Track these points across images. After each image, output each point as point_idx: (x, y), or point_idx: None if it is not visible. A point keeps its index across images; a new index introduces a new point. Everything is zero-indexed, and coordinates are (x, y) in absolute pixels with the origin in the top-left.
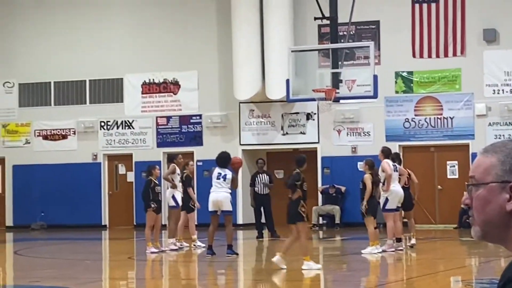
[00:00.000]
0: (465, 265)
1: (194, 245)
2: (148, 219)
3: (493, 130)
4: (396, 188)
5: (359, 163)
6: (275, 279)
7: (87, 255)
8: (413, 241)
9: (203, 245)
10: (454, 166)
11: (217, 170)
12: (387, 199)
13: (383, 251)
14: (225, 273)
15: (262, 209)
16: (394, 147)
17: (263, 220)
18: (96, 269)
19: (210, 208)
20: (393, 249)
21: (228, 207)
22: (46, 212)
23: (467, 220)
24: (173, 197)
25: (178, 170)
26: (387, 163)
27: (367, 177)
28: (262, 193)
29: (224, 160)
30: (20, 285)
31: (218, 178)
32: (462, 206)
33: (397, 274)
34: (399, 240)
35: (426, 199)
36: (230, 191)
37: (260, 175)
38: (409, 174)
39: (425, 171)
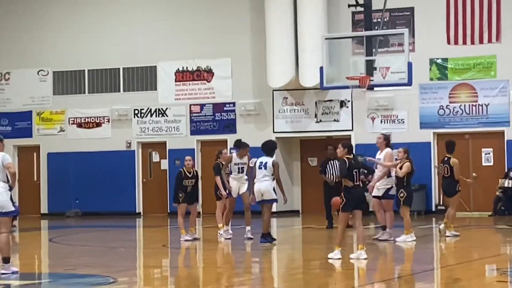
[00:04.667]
0: (500, 253)
1: (219, 233)
2: (178, 210)
3: None
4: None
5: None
6: (312, 267)
7: (121, 243)
8: (447, 232)
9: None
10: (489, 153)
11: (259, 160)
12: (391, 186)
13: (381, 240)
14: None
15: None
16: (429, 134)
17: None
18: (130, 257)
19: (257, 199)
20: (393, 239)
21: (270, 195)
22: (81, 199)
23: (502, 208)
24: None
25: (236, 159)
26: (391, 154)
27: (407, 165)
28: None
29: (269, 148)
30: (55, 273)
31: (260, 168)
32: (497, 193)
33: (432, 262)
34: (384, 228)
35: (461, 187)
36: (272, 179)
37: (331, 162)
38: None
39: (460, 158)
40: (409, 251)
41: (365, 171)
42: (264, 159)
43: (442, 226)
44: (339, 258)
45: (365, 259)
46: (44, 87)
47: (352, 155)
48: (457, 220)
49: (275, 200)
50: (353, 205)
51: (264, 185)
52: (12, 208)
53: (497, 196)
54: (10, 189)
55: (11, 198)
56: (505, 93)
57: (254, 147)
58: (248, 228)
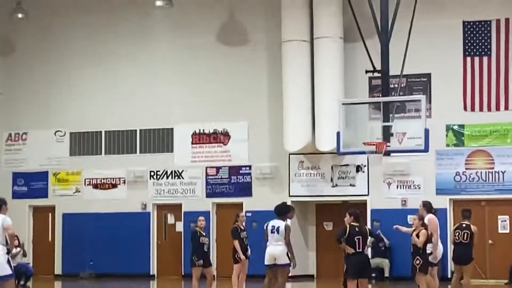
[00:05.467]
0: None
1: None
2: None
3: None
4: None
5: (408, 216)
6: None
7: None
8: None
9: None
10: (505, 220)
11: (271, 224)
12: (431, 253)
13: None
14: None
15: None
16: (445, 200)
17: None
18: None
19: (266, 262)
20: None
21: (284, 260)
22: (95, 260)
23: None
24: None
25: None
26: (434, 221)
27: (424, 233)
28: None
29: (282, 211)
30: None
31: (272, 232)
32: None
33: None
34: None
35: (477, 254)
36: (285, 243)
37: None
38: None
39: (476, 225)
40: None
41: (372, 239)
42: (276, 222)
43: None
44: None
45: None
46: (60, 147)
47: (358, 222)
48: None
49: (289, 265)
50: (355, 272)
51: (278, 249)
52: (9, 272)
53: None
54: (8, 252)
55: (8, 261)
56: None
57: (269, 210)
58: None
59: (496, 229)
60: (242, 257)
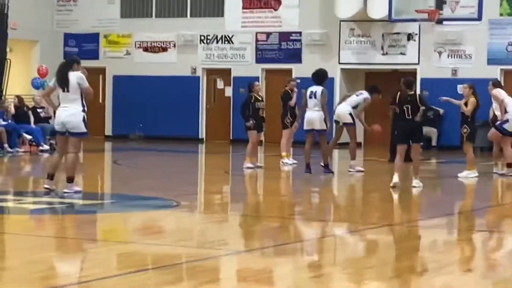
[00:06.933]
0: None
1: (282, 162)
2: (250, 137)
3: None
4: None
5: (458, 86)
6: (369, 198)
7: (184, 168)
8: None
9: (291, 162)
10: None
11: (309, 89)
12: (507, 120)
13: (504, 175)
14: (319, 191)
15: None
16: (496, 71)
17: None
18: (193, 182)
19: (305, 127)
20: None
21: (321, 126)
22: (144, 123)
23: None
24: None
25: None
26: (498, 91)
27: (473, 101)
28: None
29: (320, 76)
30: (119, 193)
31: (310, 97)
32: None
33: (493, 199)
34: (509, 165)
35: None
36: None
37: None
38: None
39: None
40: (470, 187)
41: (423, 108)
42: (314, 88)
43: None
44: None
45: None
46: (112, 9)
47: (411, 89)
48: None
49: (325, 131)
50: (403, 139)
51: (315, 115)
52: (84, 130)
53: None
54: (83, 110)
55: (84, 120)
56: None
57: None
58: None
59: None
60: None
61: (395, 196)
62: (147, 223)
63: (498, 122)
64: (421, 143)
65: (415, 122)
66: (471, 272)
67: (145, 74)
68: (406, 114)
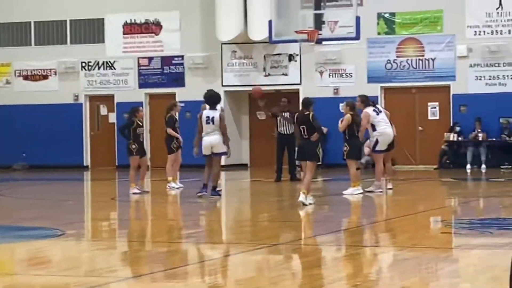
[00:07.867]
0: (445, 206)
1: (169, 186)
2: (131, 162)
3: (474, 71)
4: (387, 129)
5: (340, 104)
6: (257, 219)
7: (69, 196)
8: (389, 185)
9: (177, 186)
10: (435, 107)
11: (205, 114)
12: (377, 140)
13: (370, 191)
14: (207, 213)
15: (286, 150)
16: (376, 88)
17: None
18: (78, 210)
19: (204, 152)
20: (380, 190)
21: (222, 148)
22: (28, 152)
23: (447, 161)
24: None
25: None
26: (366, 112)
27: (347, 118)
28: (286, 133)
29: (214, 101)
30: (1, 225)
31: (207, 122)
32: (443, 146)
33: (378, 215)
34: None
35: (407, 140)
36: (221, 133)
37: (284, 114)
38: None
39: (406, 112)
40: (355, 204)
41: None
42: (210, 113)
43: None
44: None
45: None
46: None
47: (309, 111)
48: (403, 174)
49: (225, 153)
50: (299, 156)
51: (214, 138)
52: None
53: (443, 150)
54: None
55: None
56: (451, 47)
57: (202, 100)
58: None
59: (426, 116)
60: (181, 140)
61: (283, 215)
62: (32, 254)
63: (372, 143)
64: (318, 162)
65: (310, 141)
66: (357, 287)
67: (27, 102)
68: (303, 134)
